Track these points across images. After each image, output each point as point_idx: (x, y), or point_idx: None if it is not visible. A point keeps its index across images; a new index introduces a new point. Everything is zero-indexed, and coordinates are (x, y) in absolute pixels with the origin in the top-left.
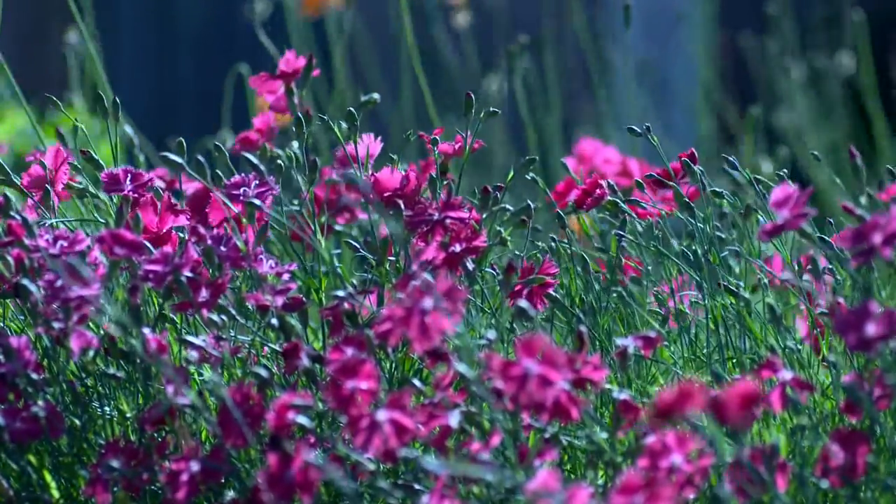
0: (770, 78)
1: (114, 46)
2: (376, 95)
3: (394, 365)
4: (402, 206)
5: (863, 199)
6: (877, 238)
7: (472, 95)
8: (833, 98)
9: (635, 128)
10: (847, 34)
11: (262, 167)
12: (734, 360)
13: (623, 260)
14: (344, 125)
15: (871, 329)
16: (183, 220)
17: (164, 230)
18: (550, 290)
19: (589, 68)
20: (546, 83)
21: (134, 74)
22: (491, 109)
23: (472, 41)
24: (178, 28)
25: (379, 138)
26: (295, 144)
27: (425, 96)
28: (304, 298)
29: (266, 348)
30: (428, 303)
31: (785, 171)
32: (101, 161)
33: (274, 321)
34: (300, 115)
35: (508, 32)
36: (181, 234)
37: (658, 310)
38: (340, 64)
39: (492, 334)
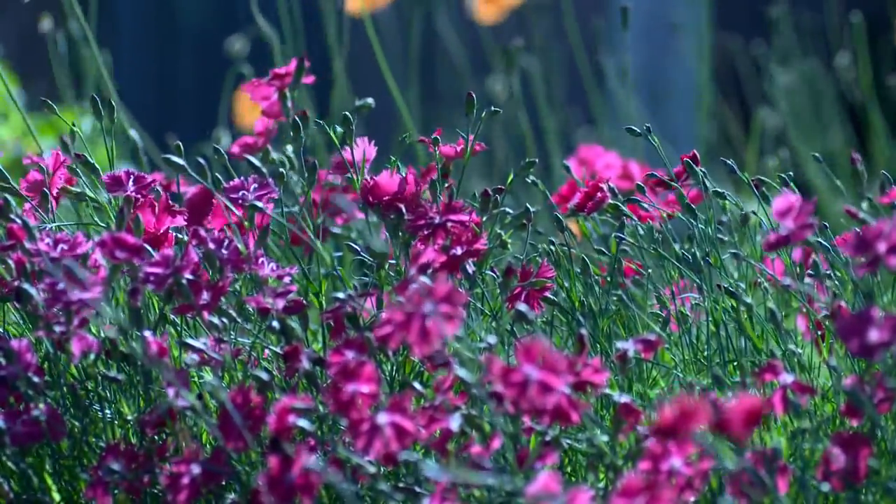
0: (766, 82)
1: (114, 46)
2: (370, 100)
3: (394, 367)
4: (403, 210)
5: (864, 205)
6: (881, 247)
7: (473, 95)
8: (827, 103)
9: (634, 128)
10: (843, 39)
11: (263, 170)
12: (735, 363)
13: (623, 263)
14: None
15: (874, 335)
16: (180, 221)
17: (162, 230)
18: (547, 294)
19: (590, 71)
20: (547, 86)
21: (134, 74)
22: (492, 108)
23: (474, 42)
24: (178, 27)
25: (373, 142)
26: (289, 148)
27: (400, 106)
28: (304, 301)
29: (267, 351)
30: (428, 307)
31: (788, 174)
32: (97, 165)
33: (275, 324)
34: (296, 118)
35: (510, 34)
36: (178, 235)
37: (658, 312)
38: (341, 66)
39: (492, 338)
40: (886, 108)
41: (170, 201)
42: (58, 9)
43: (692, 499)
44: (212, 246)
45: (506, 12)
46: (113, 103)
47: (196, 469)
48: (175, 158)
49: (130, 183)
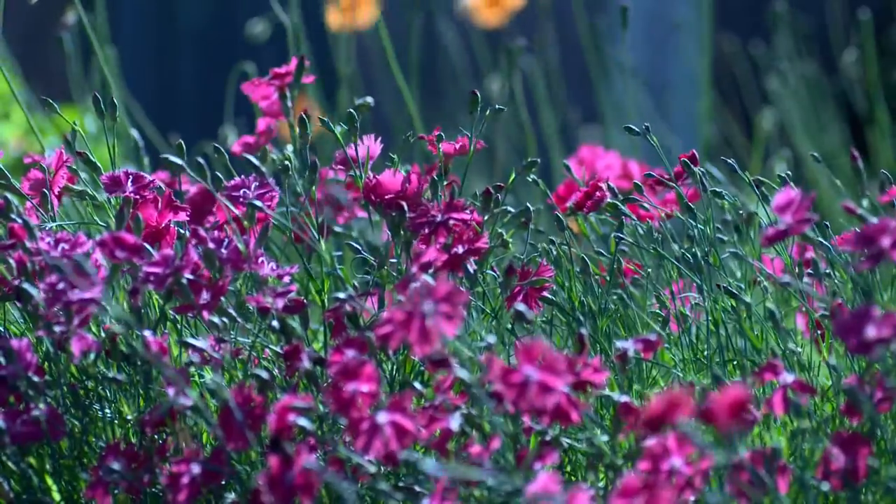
0: (766, 82)
1: (115, 45)
2: (370, 99)
3: (395, 367)
4: (405, 208)
5: (865, 202)
6: (885, 241)
7: (477, 94)
8: (828, 103)
9: (633, 127)
10: (844, 38)
11: (263, 169)
12: (735, 363)
13: (623, 262)
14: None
15: (872, 332)
16: (182, 216)
17: (164, 224)
18: (546, 293)
19: (590, 70)
20: (548, 85)
21: (134, 74)
22: (496, 107)
23: (475, 42)
24: (178, 28)
25: (379, 139)
26: (290, 147)
27: (407, 101)
28: (304, 300)
29: (267, 350)
30: (428, 306)
31: (788, 174)
32: (98, 164)
33: (275, 323)
34: (302, 116)
35: (510, 34)
36: (181, 230)
37: (658, 312)
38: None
39: (491, 338)
40: (890, 105)
41: (172, 197)
42: (61, 8)
43: (692, 498)
44: (212, 245)
45: (508, 15)
46: (116, 102)
47: (196, 469)
48: (174, 158)
49: (129, 183)
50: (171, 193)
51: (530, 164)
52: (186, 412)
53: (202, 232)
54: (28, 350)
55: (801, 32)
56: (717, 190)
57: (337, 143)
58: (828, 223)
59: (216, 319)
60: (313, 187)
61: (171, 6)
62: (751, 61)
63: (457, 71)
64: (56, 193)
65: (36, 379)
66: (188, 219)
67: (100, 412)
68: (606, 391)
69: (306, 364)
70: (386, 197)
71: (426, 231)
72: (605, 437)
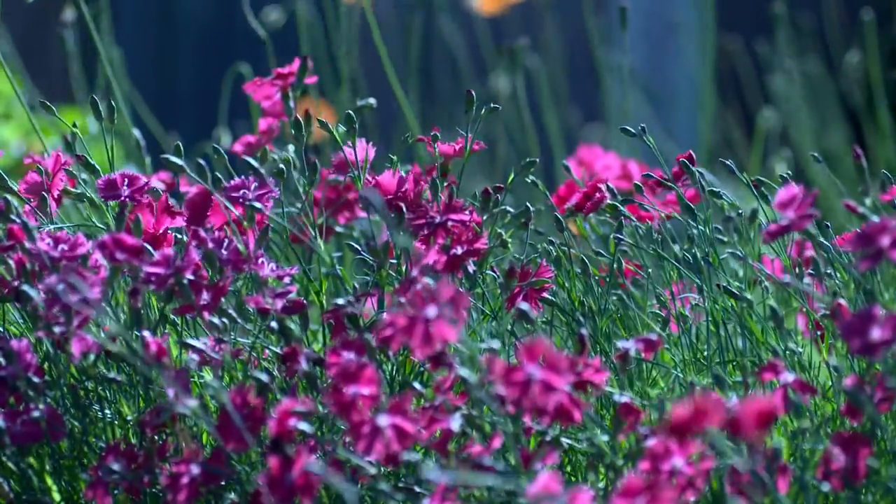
0: (767, 82)
1: (114, 45)
2: (372, 100)
3: (395, 368)
4: (404, 209)
5: (867, 201)
6: (885, 240)
7: (473, 93)
8: (829, 103)
9: (629, 128)
10: (845, 38)
11: (261, 170)
12: (735, 363)
13: (623, 263)
14: (343, 128)
15: (876, 333)
16: (179, 222)
17: (161, 231)
18: (546, 294)
19: (590, 71)
20: (551, 84)
21: (134, 74)
22: (492, 105)
23: (475, 41)
24: (178, 28)
25: (370, 143)
26: (291, 147)
27: (403, 106)
28: (304, 301)
29: (267, 351)
30: (431, 311)
31: (789, 173)
32: (97, 167)
33: (273, 324)
34: (298, 118)
35: (510, 33)
36: (178, 236)
37: (658, 312)
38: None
39: (496, 343)
40: (890, 105)
41: (169, 202)
42: (61, 6)
43: (693, 499)
44: (212, 246)
45: (507, 6)
46: (114, 104)
47: (196, 469)
48: (174, 159)
49: (125, 186)
50: (167, 198)
51: (529, 164)
52: (186, 413)
53: (202, 233)
54: (28, 351)
55: (803, 31)
56: (716, 190)
57: (335, 144)
58: (829, 223)
59: (216, 320)
60: (312, 188)
61: (171, 6)
62: (754, 60)
63: (458, 69)
64: (55, 196)
65: (36, 379)
66: (187, 221)
67: (100, 413)
68: (609, 389)
69: (304, 366)
70: (385, 198)
71: (425, 232)
72: (605, 437)
